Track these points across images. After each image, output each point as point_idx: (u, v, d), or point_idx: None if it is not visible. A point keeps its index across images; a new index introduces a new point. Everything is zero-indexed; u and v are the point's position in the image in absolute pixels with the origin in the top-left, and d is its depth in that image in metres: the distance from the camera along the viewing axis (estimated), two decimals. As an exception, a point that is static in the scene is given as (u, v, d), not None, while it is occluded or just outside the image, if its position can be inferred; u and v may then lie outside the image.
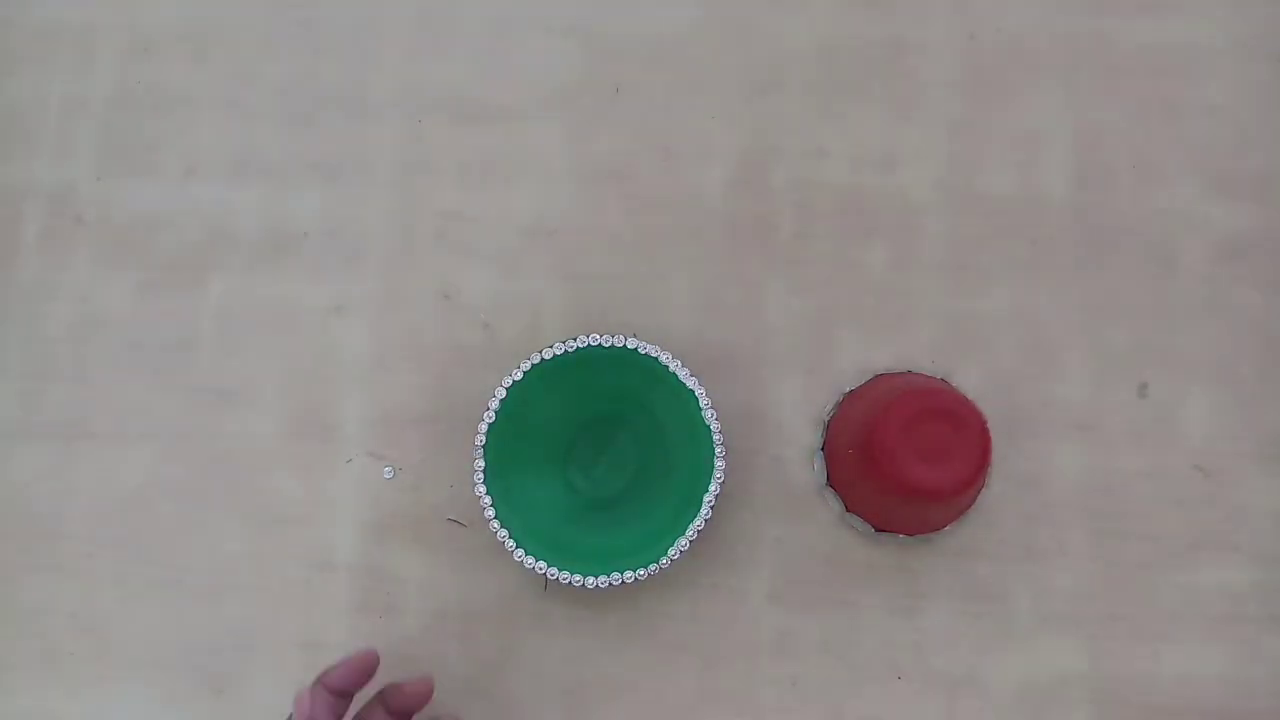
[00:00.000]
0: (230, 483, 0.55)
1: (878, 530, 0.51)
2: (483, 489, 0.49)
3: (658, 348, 0.50)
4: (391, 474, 0.54)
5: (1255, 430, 0.52)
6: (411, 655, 0.52)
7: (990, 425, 0.45)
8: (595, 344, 0.50)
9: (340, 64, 0.59)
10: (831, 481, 0.51)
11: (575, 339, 0.50)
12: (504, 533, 0.49)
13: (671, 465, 0.51)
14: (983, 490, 0.50)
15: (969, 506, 0.50)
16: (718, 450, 0.49)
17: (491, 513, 0.49)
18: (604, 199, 0.56)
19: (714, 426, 0.49)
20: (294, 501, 0.54)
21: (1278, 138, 0.55)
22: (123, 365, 0.56)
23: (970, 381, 0.52)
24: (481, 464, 0.49)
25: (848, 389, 0.52)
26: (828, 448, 0.51)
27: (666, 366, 0.50)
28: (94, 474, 0.55)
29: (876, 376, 0.52)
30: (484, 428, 0.50)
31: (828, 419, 0.52)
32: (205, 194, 0.58)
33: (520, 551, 0.49)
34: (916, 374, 0.52)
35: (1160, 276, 0.54)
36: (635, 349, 0.50)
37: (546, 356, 0.50)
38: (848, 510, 0.51)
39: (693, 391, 0.49)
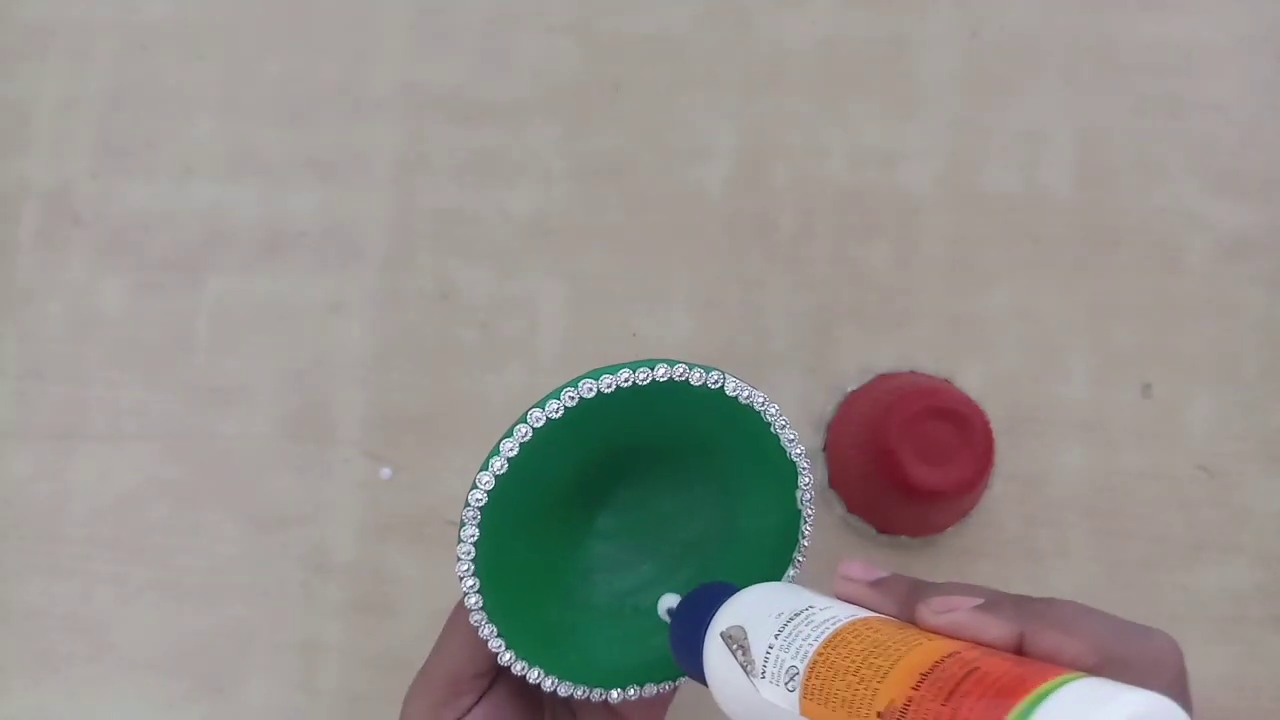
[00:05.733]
0: (227, 483, 0.54)
1: (880, 532, 0.50)
2: (469, 568, 0.34)
3: (754, 390, 0.35)
4: (390, 474, 0.54)
5: (1259, 430, 0.52)
6: (409, 658, 0.52)
7: (993, 425, 0.45)
8: (650, 379, 0.33)
9: (337, 61, 0.58)
10: (833, 483, 0.51)
11: (609, 376, 0.33)
12: (490, 629, 0.35)
13: (734, 529, 0.38)
14: (985, 491, 0.50)
15: (972, 507, 0.50)
16: (800, 550, 0.38)
17: (478, 601, 0.35)
18: (603, 197, 0.56)
19: (806, 520, 0.37)
20: (291, 502, 0.54)
21: (1282, 135, 0.55)
22: (119, 365, 0.56)
23: (972, 381, 0.52)
24: (473, 534, 0.34)
25: (849, 389, 0.52)
26: (829, 449, 0.51)
27: (767, 423, 0.36)
28: (90, 474, 0.55)
29: (878, 376, 0.52)
30: (477, 505, 0.34)
31: (829, 420, 0.52)
32: (202, 192, 0.57)
33: (511, 656, 0.35)
34: (918, 374, 0.52)
35: (1163, 275, 0.53)
36: (726, 390, 0.34)
37: (574, 401, 0.33)
38: (849, 511, 0.51)
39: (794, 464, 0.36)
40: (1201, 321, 0.53)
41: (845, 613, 0.28)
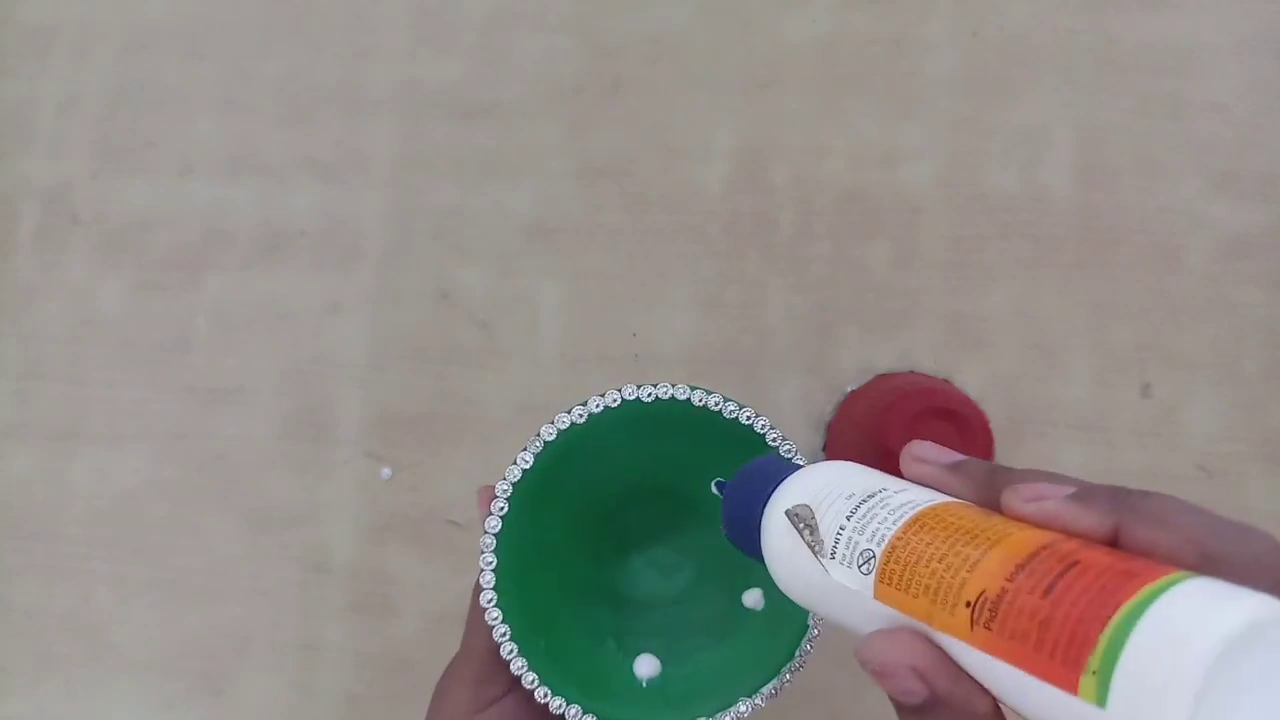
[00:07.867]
0: (227, 483, 0.54)
1: (879, 531, 0.50)
2: (490, 588, 0.35)
3: (784, 437, 0.36)
4: (390, 475, 0.54)
5: (1259, 430, 0.52)
6: (409, 658, 0.52)
7: (993, 425, 0.45)
8: (676, 396, 0.35)
9: (336, 61, 0.58)
10: (832, 482, 0.51)
11: (643, 389, 0.35)
12: (511, 647, 0.35)
13: (751, 571, 0.37)
14: (985, 491, 0.50)
15: (971, 507, 0.50)
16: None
17: (498, 615, 0.35)
18: (603, 197, 0.56)
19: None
20: (291, 502, 0.54)
21: (1282, 135, 0.55)
22: (118, 365, 0.56)
23: (972, 381, 0.52)
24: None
25: (849, 389, 0.52)
26: (829, 449, 0.51)
27: (773, 445, 0.36)
28: (89, 474, 0.55)
29: (878, 376, 0.52)
30: (503, 501, 0.35)
31: (829, 420, 0.52)
32: (201, 192, 0.57)
33: (534, 680, 0.35)
34: (918, 374, 0.52)
35: (1163, 275, 0.53)
36: (724, 413, 0.35)
37: (599, 408, 0.35)
38: (849, 511, 0.51)
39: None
40: (1201, 321, 0.53)
41: (923, 497, 0.27)
